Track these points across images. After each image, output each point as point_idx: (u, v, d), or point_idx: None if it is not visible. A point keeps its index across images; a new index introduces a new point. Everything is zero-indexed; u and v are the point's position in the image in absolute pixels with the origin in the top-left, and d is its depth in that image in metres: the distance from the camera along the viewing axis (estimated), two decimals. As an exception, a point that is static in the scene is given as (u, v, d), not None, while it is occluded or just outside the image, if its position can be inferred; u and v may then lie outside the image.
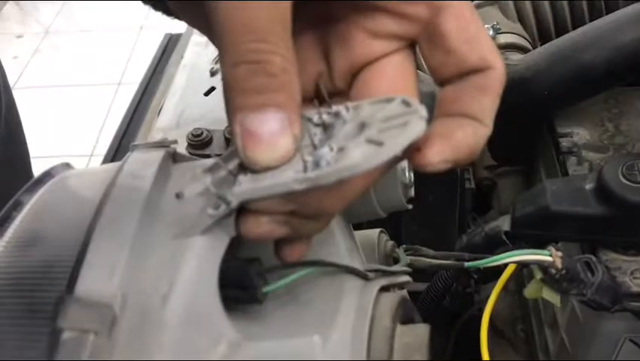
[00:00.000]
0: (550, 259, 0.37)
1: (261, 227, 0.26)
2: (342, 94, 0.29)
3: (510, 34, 0.62)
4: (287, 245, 0.28)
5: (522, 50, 0.57)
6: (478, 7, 0.65)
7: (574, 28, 0.54)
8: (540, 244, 0.44)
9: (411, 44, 0.28)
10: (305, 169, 0.24)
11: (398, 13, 0.26)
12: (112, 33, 2.40)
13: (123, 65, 2.27)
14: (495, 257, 0.37)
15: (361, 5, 0.26)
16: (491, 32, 0.60)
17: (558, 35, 0.54)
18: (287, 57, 0.24)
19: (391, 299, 0.32)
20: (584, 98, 0.50)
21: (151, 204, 0.27)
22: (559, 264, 0.36)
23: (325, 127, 0.26)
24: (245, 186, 0.25)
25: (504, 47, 0.57)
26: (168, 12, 0.32)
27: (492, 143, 0.69)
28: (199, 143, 0.73)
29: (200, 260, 0.25)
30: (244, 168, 0.25)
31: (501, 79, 0.27)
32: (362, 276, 0.32)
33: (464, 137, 0.26)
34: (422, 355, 0.31)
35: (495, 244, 0.45)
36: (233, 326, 0.27)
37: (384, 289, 0.33)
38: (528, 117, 0.54)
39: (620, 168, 0.40)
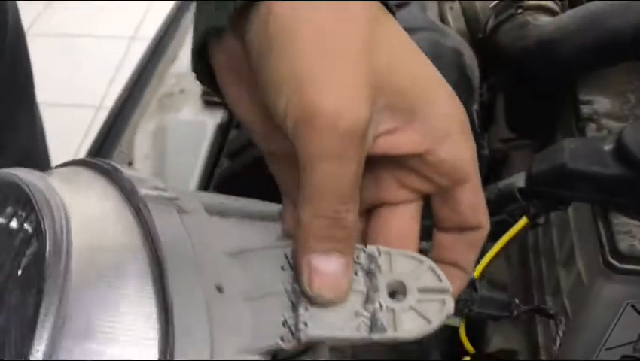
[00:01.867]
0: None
1: None
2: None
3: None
4: None
5: (551, 12, 0.57)
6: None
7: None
8: (554, 202, 0.45)
9: (425, 197, 0.34)
10: (369, 330, 0.29)
11: (426, 177, 0.32)
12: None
13: (139, 17, 2.26)
14: None
15: (397, 163, 0.32)
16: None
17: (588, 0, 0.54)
18: (356, 213, 0.30)
19: None
20: (609, 65, 0.50)
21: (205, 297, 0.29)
22: None
23: (369, 273, 0.31)
24: (318, 332, 0.29)
25: (534, 9, 0.57)
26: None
27: (511, 113, 0.69)
28: (216, 90, 0.73)
29: None
30: (297, 296, 0.30)
31: (485, 237, 0.34)
32: None
33: (455, 292, 0.32)
34: None
35: (507, 201, 0.45)
36: None
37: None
38: (552, 82, 0.54)
39: (641, 131, 0.40)
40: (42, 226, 0.28)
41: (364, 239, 0.34)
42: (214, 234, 0.32)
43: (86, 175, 0.33)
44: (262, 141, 0.34)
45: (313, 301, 0.30)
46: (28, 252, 0.29)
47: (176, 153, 0.69)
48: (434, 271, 0.32)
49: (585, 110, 0.50)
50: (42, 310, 0.26)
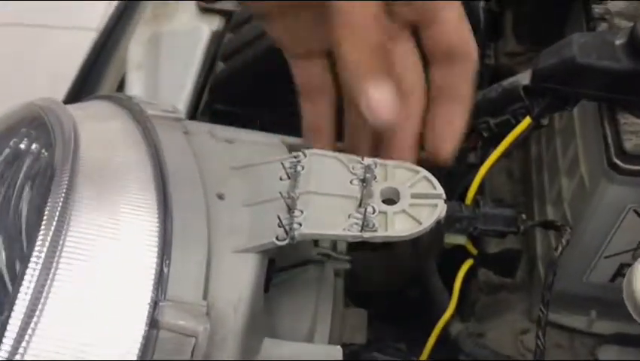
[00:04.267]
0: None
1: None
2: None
3: None
4: None
5: None
6: None
7: None
8: (560, 101, 0.43)
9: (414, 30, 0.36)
10: (360, 228, 0.30)
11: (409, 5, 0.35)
12: None
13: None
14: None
15: None
16: None
17: None
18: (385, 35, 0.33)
19: (341, 286, 0.41)
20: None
21: (206, 203, 0.30)
22: None
23: (364, 181, 0.32)
24: (311, 230, 0.30)
25: None
26: None
27: (520, 21, 0.67)
28: (210, -5, 0.70)
29: (258, 275, 0.31)
30: (294, 201, 0.31)
31: (474, 66, 0.36)
32: (320, 262, 0.40)
33: (460, 126, 0.36)
34: (363, 336, 0.41)
35: (512, 100, 0.44)
36: (267, 326, 0.33)
37: (335, 273, 0.41)
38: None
39: (656, 23, 0.38)
40: (52, 137, 0.30)
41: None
42: (218, 152, 0.35)
43: (98, 103, 0.37)
44: (287, 39, 0.37)
45: (375, 127, 0.32)
46: (38, 167, 0.30)
47: (170, 60, 0.67)
48: (428, 179, 0.33)
49: (597, 9, 0.48)
50: (48, 205, 0.26)
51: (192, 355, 0.26)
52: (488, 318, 0.58)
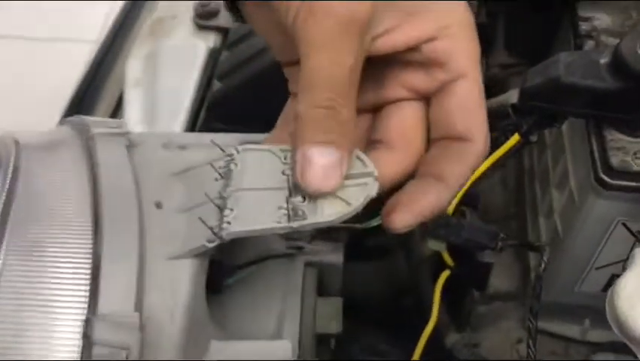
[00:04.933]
0: None
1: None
2: (361, 113, 0.35)
3: None
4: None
5: None
6: None
7: None
8: (547, 118, 0.44)
9: (426, 99, 0.34)
10: (288, 218, 0.30)
11: (424, 71, 0.33)
12: None
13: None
14: (378, 217, 0.39)
15: (402, 58, 0.33)
16: None
17: None
18: (352, 110, 0.30)
19: (312, 276, 0.40)
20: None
21: (140, 213, 0.31)
22: None
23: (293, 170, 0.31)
24: (238, 228, 0.30)
25: None
26: (241, 19, 0.36)
27: (510, 33, 0.68)
28: (207, 13, 0.71)
29: (195, 279, 0.31)
30: (224, 200, 0.31)
31: (478, 154, 0.33)
32: (288, 255, 0.40)
33: (426, 205, 0.32)
34: (338, 325, 0.40)
35: (500, 118, 0.45)
36: (215, 329, 0.33)
37: (307, 264, 0.40)
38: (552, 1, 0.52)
39: (638, 42, 0.39)
40: None
41: (370, 138, 0.35)
42: (164, 161, 0.35)
43: (57, 130, 0.37)
44: (279, 54, 0.35)
45: (305, 193, 0.31)
46: None
47: (168, 77, 0.68)
48: (360, 158, 0.32)
49: (584, 26, 0.49)
50: None
51: None
52: (483, 328, 0.59)
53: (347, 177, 0.31)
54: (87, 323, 0.27)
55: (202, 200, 0.32)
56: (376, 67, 0.33)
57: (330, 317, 0.40)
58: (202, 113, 0.62)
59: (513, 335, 0.58)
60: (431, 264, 0.59)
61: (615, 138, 0.42)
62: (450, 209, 0.44)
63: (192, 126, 0.61)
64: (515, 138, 0.43)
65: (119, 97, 0.72)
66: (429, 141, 0.34)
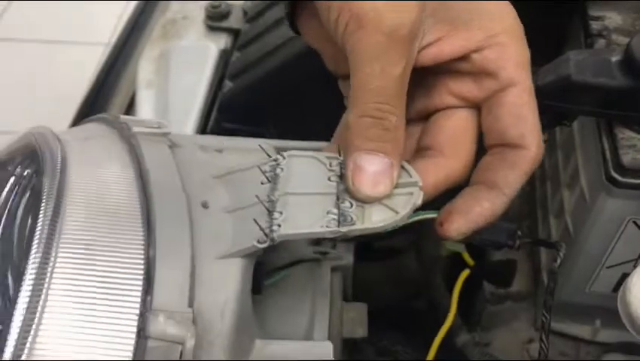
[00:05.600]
0: (436, 215, 0.41)
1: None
2: (412, 121, 0.35)
3: None
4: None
5: None
6: None
7: None
8: (558, 117, 0.44)
9: (476, 107, 0.34)
10: (337, 223, 0.31)
11: (474, 80, 0.33)
12: None
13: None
14: None
15: (451, 67, 0.33)
16: None
17: None
18: (401, 118, 0.31)
19: (339, 281, 0.42)
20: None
21: (189, 213, 0.31)
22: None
23: (341, 177, 0.32)
24: (289, 231, 0.31)
25: None
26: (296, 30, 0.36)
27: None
28: (218, 15, 0.72)
29: (244, 279, 0.32)
30: (274, 203, 0.32)
31: (532, 160, 0.32)
32: (316, 260, 0.41)
33: (480, 212, 0.32)
34: (364, 330, 0.41)
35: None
36: (258, 325, 0.34)
37: (333, 269, 0.41)
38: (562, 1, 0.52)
39: (650, 41, 0.39)
40: (41, 165, 0.31)
41: (420, 146, 0.35)
42: (204, 162, 0.35)
43: (89, 126, 0.37)
44: (331, 65, 0.36)
45: (355, 199, 0.32)
46: (31, 193, 0.32)
47: (180, 78, 0.68)
48: (405, 168, 0.33)
49: (594, 26, 0.49)
50: (37, 229, 0.28)
51: (180, 359, 0.27)
52: (494, 328, 0.59)
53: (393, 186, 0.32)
54: (141, 318, 0.27)
55: (250, 202, 0.32)
56: (426, 76, 0.34)
57: (356, 321, 0.42)
58: (214, 114, 0.63)
59: (524, 335, 0.58)
60: (444, 265, 0.59)
61: (626, 135, 0.42)
62: None
63: (203, 126, 0.62)
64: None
65: (131, 97, 0.73)
66: (483, 150, 0.34)
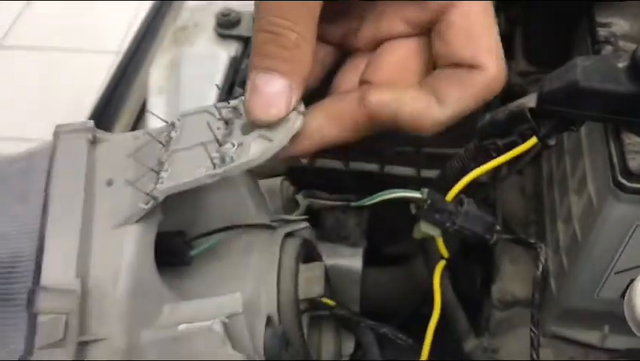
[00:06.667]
0: (419, 195, 0.41)
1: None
2: (360, 51, 0.34)
3: None
4: None
5: None
6: None
7: None
8: (565, 122, 0.44)
9: (425, 34, 0.33)
10: (214, 166, 0.30)
11: (420, 4, 0.31)
12: None
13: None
14: (375, 195, 0.41)
15: None
16: None
17: None
18: (304, 37, 0.28)
19: (294, 243, 0.40)
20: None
21: (88, 193, 0.33)
22: (425, 197, 0.40)
23: (226, 122, 0.32)
24: (168, 184, 0.31)
25: None
26: None
27: (530, 44, 0.68)
28: (228, 23, 0.73)
29: (138, 244, 0.32)
30: (162, 164, 0.32)
31: (486, 82, 0.32)
32: (269, 227, 0.40)
33: (411, 103, 0.31)
34: (320, 287, 0.39)
35: (519, 121, 0.45)
36: (170, 290, 0.34)
37: (288, 234, 0.41)
38: (569, 5, 0.53)
39: (656, 47, 0.39)
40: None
41: (362, 79, 0.34)
42: (124, 148, 0.36)
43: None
44: None
45: (251, 124, 0.31)
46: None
47: (190, 85, 0.69)
48: None
49: (602, 32, 0.49)
50: None
51: (65, 332, 0.28)
52: (502, 333, 0.59)
53: None
54: (30, 294, 0.28)
55: (144, 171, 0.33)
56: (374, 4, 0.33)
57: (311, 280, 0.40)
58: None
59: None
60: (450, 271, 0.59)
61: (633, 141, 0.42)
62: (449, 196, 0.44)
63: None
64: (532, 141, 0.44)
65: (142, 104, 0.74)
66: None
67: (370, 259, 0.59)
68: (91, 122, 0.36)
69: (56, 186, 0.33)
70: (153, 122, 0.68)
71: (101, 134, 0.37)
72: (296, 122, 0.31)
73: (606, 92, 0.41)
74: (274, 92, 0.29)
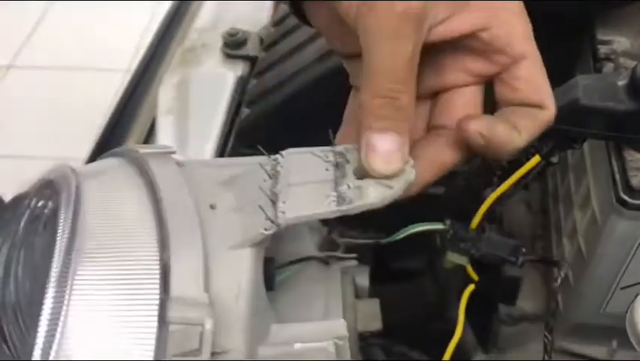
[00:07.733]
0: (442, 227, 0.43)
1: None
2: (421, 99, 0.37)
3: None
4: None
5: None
6: None
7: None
8: (567, 140, 0.45)
9: (486, 82, 0.36)
10: (337, 203, 0.32)
11: (483, 56, 0.35)
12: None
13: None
14: (401, 230, 0.43)
15: (460, 46, 0.35)
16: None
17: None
18: (411, 97, 0.32)
19: (349, 280, 0.44)
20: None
21: (198, 214, 0.34)
22: (447, 228, 0.43)
23: (337, 165, 0.34)
24: (291, 215, 0.33)
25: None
26: (302, 19, 0.39)
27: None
28: (235, 43, 0.74)
29: (255, 267, 0.34)
30: (276, 195, 0.34)
31: (548, 119, 0.35)
32: (325, 262, 0.43)
33: (501, 131, 0.34)
34: (378, 323, 0.43)
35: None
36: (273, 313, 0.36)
37: (343, 272, 0.43)
38: (571, 23, 0.53)
39: (655, 65, 0.40)
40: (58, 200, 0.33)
41: (429, 122, 0.37)
42: (209, 174, 0.38)
43: (103, 160, 0.40)
44: (337, 45, 0.38)
45: (369, 175, 0.33)
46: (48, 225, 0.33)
47: (198, 105, 0.70)
48: None
49: (603, 49, 0.50)
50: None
51: (200, 342, 0.29)
52: (510, 349, 0.59)
53: None
54: (161, 305, 0.29)
55: (255, 197, 0.34)
56: (436, 54, 0.35)
57: (369, 316, 0.43)
58: (231, 139, 0.64)
59: (540, 356, 0.58)
60: (460, 283, 0.59)
61: (635, 158, 0.43)
62: (473, 224, 0.45)
63: (221, 152, 0.63)
64: (535, 160, 0.44)
65: (151, 124, 0.75)
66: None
67: (377, 275, 0.59)
68: (173, 148, 0.38)
69: (168, 207, 0.33)
70: (162, 140, 0.69)
71: (175, 157, 0.38)
72: (411, 173, 0.33)
73: (607, 109, 0.41)
74: (392, 149, 0.32)
